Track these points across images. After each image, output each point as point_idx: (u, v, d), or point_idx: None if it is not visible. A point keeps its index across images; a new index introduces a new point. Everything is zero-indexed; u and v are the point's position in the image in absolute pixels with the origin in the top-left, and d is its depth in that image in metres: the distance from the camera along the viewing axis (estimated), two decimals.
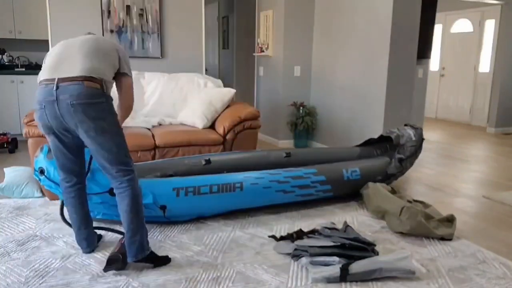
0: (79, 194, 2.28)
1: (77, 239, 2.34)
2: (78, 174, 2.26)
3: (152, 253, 2.20)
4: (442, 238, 2.63)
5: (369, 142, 3.86)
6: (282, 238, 2.55)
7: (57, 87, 1.97)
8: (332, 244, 2.28)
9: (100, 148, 2.03)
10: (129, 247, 2.12)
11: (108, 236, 2.60)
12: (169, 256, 2.31)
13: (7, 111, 5.27)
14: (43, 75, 2.08)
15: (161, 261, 2.24)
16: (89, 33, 2.35)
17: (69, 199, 2.26)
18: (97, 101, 1.98)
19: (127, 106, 2.28)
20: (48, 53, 2.21)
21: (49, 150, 2.57)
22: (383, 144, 3.79)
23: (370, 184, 3.16)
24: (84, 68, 2.01)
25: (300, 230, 2.57)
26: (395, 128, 3.71)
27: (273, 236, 2.60)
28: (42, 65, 2.18)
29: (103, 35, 4.47)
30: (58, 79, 1.99)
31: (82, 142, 2.16)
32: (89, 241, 2.35)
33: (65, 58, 2.07)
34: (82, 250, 2.35)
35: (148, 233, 2.64)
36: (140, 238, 2.13)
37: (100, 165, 2.10)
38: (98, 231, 2.54)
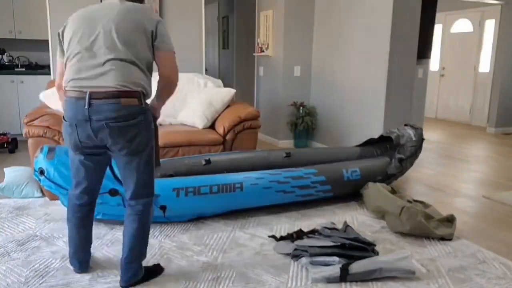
0: (86, 215, 2.07)
1: (71, 258, 2.13)
2: (93, 194, 2.06)
3: (144, 273, 2.06)
4: (442, 238, 2.63)
5: (369, 142, 3.86)
6: (282, 238, 2.55)
7: (89, 105, 1.74)
8: (332, 244, 2.28)
9: (129, 165, 1.88)
10: (124, 272, 1.98)
11: (108, 237, 2.60)
12: (161, 265, 2.21)
13: (7, 111, 5.27)
14: (70, 76, 1.81)
15: (154, 274, 2.12)
16: None
17: (74, 218, 2.05)
18: (134, 121, 1.79)
19: (169, 81, 1.93)
20: (74, 30, 1.85)
21: (49, 151, 2.57)
22: (383, 144, 3.79)
23: (370, 184, 3.16)
24: (118, 78, 1.76)
25: (300, 230, 2.57)
26: (395, 128, 3.71)
27: (273, 236, 2.60)
28: (64, 45, 1.90)
29: None
30: (91, 93, 1.74)
31: (108, 160, 2.01)
32: (84, 264, 2.14)
33: (91, 51, 1.80)
34: (74, 269, 2.14)
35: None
36: (138, 265, 2.01)
37: (123, 180, 1.95)
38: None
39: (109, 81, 1.76)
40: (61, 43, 1.96)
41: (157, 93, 1.99)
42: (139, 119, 1.81)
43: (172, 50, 1.94)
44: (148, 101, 1.94)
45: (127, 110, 1.77)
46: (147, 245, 2.04)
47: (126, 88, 1.77)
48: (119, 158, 1.89)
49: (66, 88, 1.84)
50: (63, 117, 1.88)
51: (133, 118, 1.79)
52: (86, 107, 1.74)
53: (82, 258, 2.13)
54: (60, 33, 1.95)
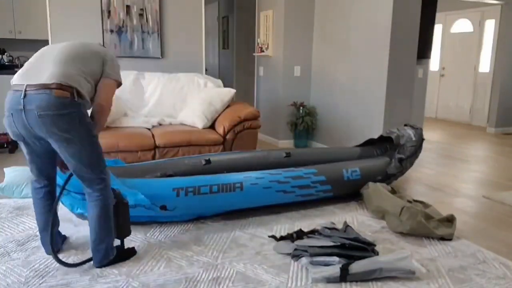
0: (47, 197, 2.24)
1: (42, 240, 2.30)
2: (50, 177, 2.24)
3: (116, 254, 2.23)
4: (442, 238, 2.63)
5: (369, 142, 3.86)
6: (282, 238, 2.55)
7: (25, 95, 1.88)
8: (332, 244, 2.28)
9: (71, 158, 1.99)
10: (94, 254, 2.16)
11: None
12: (135, 248, 2.37)
13: None
14: (14, 80, 1.99)
15: (126, 254, 2.29)
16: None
17: (37, 200, 2.23)
18: (66, 111, 1.90)
19: (100, 107, 2.11)
20: (35, 55, 2.14)
21: None
22: (383, 144, 3.79)
23: (370, 184, 3.16)
24: (54, 74, 1.92)
25: (300, 230, 2.57)
26: (395, 128, 3.71)
27: (273, 236, 2.60)
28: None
29: (103, 35, 4.47)
30: (27, 85, 1.90)
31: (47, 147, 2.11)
32: (46, 245, 2.28)
33: (40, 63, 2.01)
34: (46, 251, 2.30)
35: (148, 233, 2.65)
36: (106, 245, 2.16)
37: (73, 172, 2.07)
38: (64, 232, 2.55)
39: (44, 78, 1.92)
40: None
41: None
42: (71, 110, 1.92)
43: (114, 78, 2.18)
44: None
45: (59, 100, 1.89)
46: (112, 228, 2.17)
47: (59, 82, 1.92)
48: (60, 151, 2.00)
49: (10, 89, 2.00)
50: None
51: (65, 108, 1.91)
52: (21, 97, 1.91)
53: (44, 240, 2.28)
54: None
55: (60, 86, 1.89)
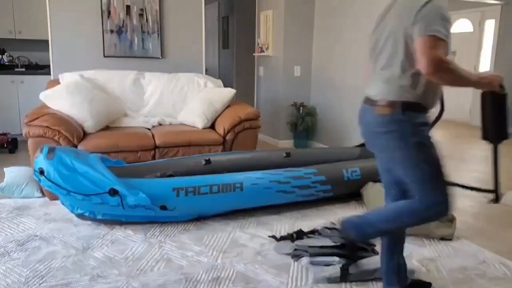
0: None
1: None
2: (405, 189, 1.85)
3: None
4: (443, 238, 2.63)
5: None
6: (282, 238, 2.55)
7: (362, 108, 1.78)
8: (332, 244, 2.28)
9: (403, 176, 1.75)
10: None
11: (113, 235, 2.60)
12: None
13: (7, 111, 5.27)
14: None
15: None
16: None
17: None
18: (386, 130, 1.68)
19: (428, 73, 1.59)
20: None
21: (49, 151, 2.57)
22: None
23: (370, 184, 3.15)
24: (379, 89, 1.71)
25: (300, 230, 2.57)
26: None
27: (273, 236, 2.60)
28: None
29: (103, 35, 4.47)
30: (365, 98, 1.77)
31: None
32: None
33: (374, 60, 1.80)
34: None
35: (148, 233, 2.65)
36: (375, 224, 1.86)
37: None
38: None
39: (373, 90, 1.77)
40: None
41: None
42: (391, 128, 1.70)
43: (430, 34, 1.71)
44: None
45: (379, 119, 1.72)
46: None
47: (381, 98, 1.72)
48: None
49: None
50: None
51: (384, 127, 1.71)
52: (360, 109, 1.81)
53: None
54: None
55: (381, 102, 1.72)
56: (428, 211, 1.76)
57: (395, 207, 1.84)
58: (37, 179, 2.59)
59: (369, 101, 1.77)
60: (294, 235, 2.53)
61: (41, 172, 2.52)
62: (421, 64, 1.58)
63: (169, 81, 4.22)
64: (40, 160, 2.55)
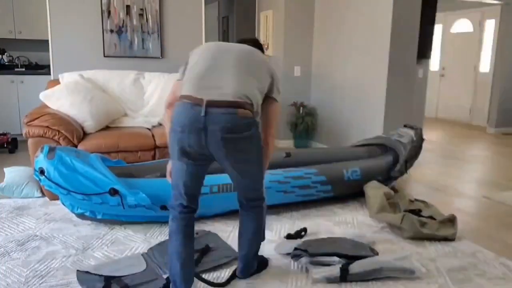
0: (192, 224, 1.92)
1: (177, 279, 1.86)
2: (197, 200, 1.94)
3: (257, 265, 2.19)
4: (446, 239, 2.63)
5: (367, 144, 3.84)
6: (290, 236, 2.61)
7: (206, 113, 1.70)
8: (331, 251, 2.28)
9: (241, 176, 1.88)
10: (244, 266, 2.10)
11: (114, 235, 2.60)
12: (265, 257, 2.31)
13: (7, 111, 5.27)
14: (188, 86, 1.79)
15: (263, 264, 2.25)
16: (243, 40, 2.13)
17: (182, 227, 1.87)
18: (249, 133, 1.76)
19: (272, 138, 2.02)
20: (197, 52, 1.94)
21: (50, 150, 2.57)
22: (382, 145, 3.78)
23: (372, 184, 3.14)
24: (238, 91, 1.76)
25: (305, 228, 2.64)
26: (394, 131, 3.71)
27: (288, 235, 2.63)
28: (188, 66, 1.92)
29: (103, 35, 4.47)
30: (208, 101, 1.71)
31: (209, 166, 1.93)
32: (190, 282, 1.92)
33: (217, 70, 1.82)
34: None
35: (148, 233, 2.65)
36: (255, 258, 2.12)
37: (236, 187, 1.97)
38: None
39: (228, 95, 1.77)
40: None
41: None
42: (253, 131, 1.79)
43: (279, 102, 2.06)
44: None
45: (244, 122, 1.76)
46: (260, 244, 2.12)
47: (243, 101, 1.78)
48: (230, 169, 1.88)
49: (183, 98, 1.82)
50: None
51: (248, 130, 1.77)
52: (202, 114, 1.73)
53: (190, 275, 1.90)
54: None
55: (244, 105, 1.75)
56: None
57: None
58: (38, 179, 2.59)
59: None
60: (303, 233, 2.63)
61: (42, 171, 2.52)
62: None
63: (169, 81, 4.22)
64: (41, 160, 2.55)
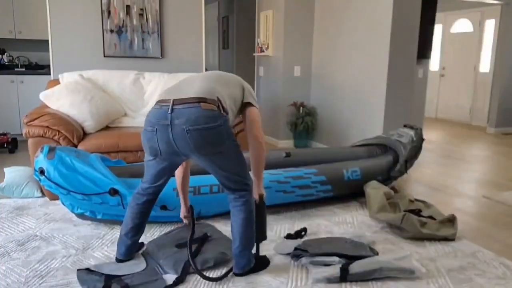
0: (147, 205, 2.19)
1: (119, 242, 2.21)
2: (159, 187, 2.16)
3: (255, 262, 2.18)
4: (446, 239, 2.63)
5: (367, 144, 3.84)
6: (289, 236, 2.60)
7: (172, 110, 1.86)
8: (332, 251, 2.27)
9: (218, 169, 1.97)
10: (238, 260, 2.11)
11: (113, 235, 2.60)
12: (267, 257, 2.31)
13: (7, 111, 5.27)
14: (160, 96, 1.99)
15: (263, 263, 2.24)
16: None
17: (134, 203, 2.17)
18: (214, 125, 1.86)
19: (257, 140, 2.11)
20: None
21: (50, 150, 2.57)
22: (382, 145, 3.78)
23: (373, 184, 3.14)
24: (200, 90, 1.92)
25: (305, 228, 2.63)
26: (394, 131, 3.71)
27: (288, 235, 2.63)
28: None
29: (103, 35, 4.48)
30: (174, 100, 1.89)
31: (180, 163, 2.10)
32: (128, 251, 2.21)
33: (184, 83, 2.03)
34: (117, 254, 2.21)
35: (148, 233, 2.65)
36: (249, 252, 2.12)
37: (218, 180, 2.06)
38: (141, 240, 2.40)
39: (191, 93, 1.94)
40: None
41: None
42: (218, 123, 1.89)
43: (256, 106, 2.23)
44: None
45: (207, 113, 1.88)
46: (254, 232, 2.12)
47: (205, 96, 1.92)
48: (205, 165, 2.00)
49: (154, 105, 2.00)
50: None
51: (213, 122, 1.88)
52: (169, 112, 1.90)
53: (129, 244, 2.20)
54: None
55: (206, 100, 1.88)
56: None
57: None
58: (37, 179, 2.59)
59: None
60: (303, 233, 2.62)
61: (42, 171, 2.52)
62: None
63: (169, 81, 4.22)
64: (41, 160, 2.55)
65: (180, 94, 1.92)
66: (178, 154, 1.95)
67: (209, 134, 1.86)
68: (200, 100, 1.87)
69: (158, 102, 1.94)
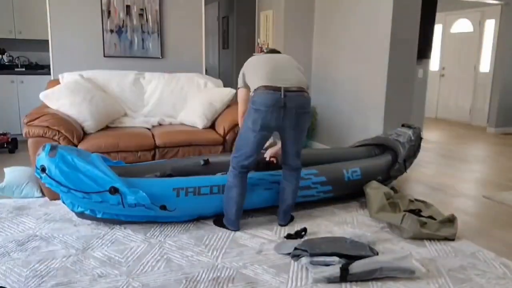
0: (246, 180, 2.67)
1: (232, 218, 2.68)
2: (254, 162, 2.64)
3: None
4: (446, 239, 2.63)
5: (366, 144, 3.83)
6: (290, 236, 2.60)
7: (284, 96, 2.45)
8: (331, 251, 2.27)
9: (297, 142, 2.63)
10: (287, 216, 2.82)
11: (114, 235, 2.60)
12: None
13: (7, 111, 5.27)
14: (263, 81, 2.49)
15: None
16: (274, 50, 2.83)
17: (240, 181, 2.62)
18: (309, 109, 2.57)
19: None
20: (251, 64, 2.70)
21: (51, 148, 2.57)
22: (380, 145, 3.78)
23: (373, 185, 3.14)
24: (297, 79, 2.55)
25: (305, 228, 2.62)
26: (392, 131, 3.71)
27: (288, 235, 2.63)
28: (248, 74, 2.67)
29: (103, 35, 4.48)
30: (284, 88, 2.46)
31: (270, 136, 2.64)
32: (239, 221, 2.73)
33: (279, 69, 2.56)
34: (233, 228, 2.72)
35: (148, 233, 2.65)
36: (291, 211, 2.86)
37: (288, 152, 2.67)
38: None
39: (295, 83, 2.55)
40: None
41: None
42: (310, 108, 2.60)
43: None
44: None
45: (308, 101, 2.57)
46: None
47: (304, 87, 2.59)
48: (292, 136, 2.62)
49: (263, 89, 2.51)
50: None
51: (309, 107, 2.58)
52: (282, 96, 2.47)
53: (240, 216, 2.73)
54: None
55: (305, 90, 2.55)
56: None
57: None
58: (38, 177, 2.59)
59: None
60: (303, 233, 2.62)
61: (43, 169, 2.52)
62: None
63: (169, 81, 4.22)
64: (42, 158, 2.55)
65: (284, 82, 2.49)
66: (277, 129, 2.54)
67: (306, 115, 2.56)
68: (302, 90, 2.53)
69: (267, 87, 2.46)
